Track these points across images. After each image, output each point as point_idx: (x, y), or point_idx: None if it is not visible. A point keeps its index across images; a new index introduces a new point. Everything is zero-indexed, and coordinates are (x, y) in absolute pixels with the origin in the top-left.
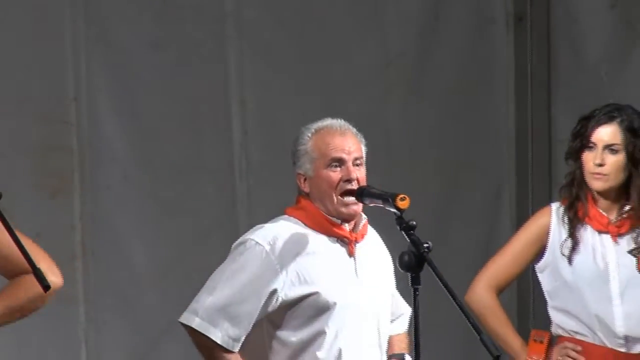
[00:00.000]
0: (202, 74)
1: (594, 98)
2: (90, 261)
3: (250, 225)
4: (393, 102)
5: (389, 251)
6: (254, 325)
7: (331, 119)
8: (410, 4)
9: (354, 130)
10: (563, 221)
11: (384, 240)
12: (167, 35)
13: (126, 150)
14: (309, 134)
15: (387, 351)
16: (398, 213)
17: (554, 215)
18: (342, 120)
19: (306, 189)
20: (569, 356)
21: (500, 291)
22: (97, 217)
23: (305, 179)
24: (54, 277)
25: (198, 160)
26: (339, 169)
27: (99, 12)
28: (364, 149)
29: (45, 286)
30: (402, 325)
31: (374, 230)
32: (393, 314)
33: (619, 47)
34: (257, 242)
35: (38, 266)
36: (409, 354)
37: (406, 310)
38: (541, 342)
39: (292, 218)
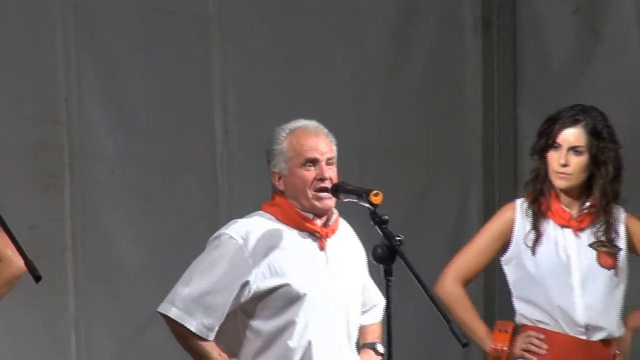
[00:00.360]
0: (186, 76)
1: (557, 99)
2: (80, 253)
3: (232, 219)
4: (367, 103)
5: (363, 244)
6: (230, 315)
7: (304, 119)
8: (385, 9)
9: (326, 130)
10: (527, 215)
11: (357, 233)
12: (152, 39)
13: (114, 148)
14: (284, 134)
15: (360, 340)
16: (372, 208)
17: (518, 210)
18: (315, 121)
19: (281, 187)
20: (532, 344)
21: (468, 283)
22: (86, 211)
23: (280, 177)
24: (21, 264)
25: (182, 157)
26: (312, 168)
27: (88, 17)
28: (335, 148)
29: (37, 277)
30: (377, 315)
31: (348, 225)
32: (367, 305)
33: (581, 51)
34: (230, 236)
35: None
36: (382, 343)
37: (380, 301)
38: (506, 331)
39: (266, 214)
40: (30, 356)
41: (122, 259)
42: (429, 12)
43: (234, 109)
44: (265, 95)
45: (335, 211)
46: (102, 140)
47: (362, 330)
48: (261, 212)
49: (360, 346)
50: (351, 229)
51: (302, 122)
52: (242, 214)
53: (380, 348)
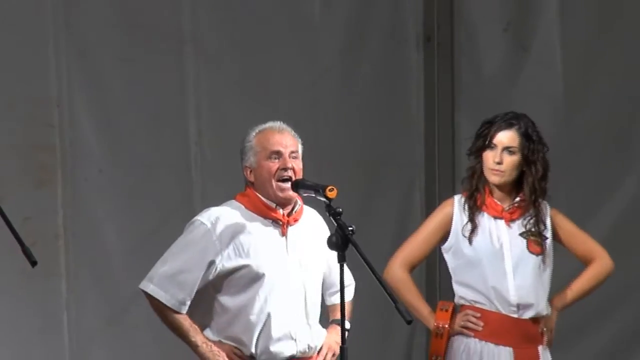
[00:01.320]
0: (164, 85)
1: (490, 105)
2: (70, 241)
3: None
4: (323, 109)
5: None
6: (202, 292)
7: (272, 122)
8: (338, 26)
9: (290, 129)
10: (464, 209)
11: None
12: (134, 51)
13: (100, 148)
14: (254, 134)
15: (330, 316)
16: (327, 201)
17: (457, 205)
18: (281, 122)
19: (251, 179)
20: (469, 321)
21: (413, 269)
22: (76, 204)
23: (250, 171)
24: None
25: (160, 156)
26: (277, 160)
27: (77, 32)
28: (300, 145)
29: (33, 262)
30: (347, 294)
31: (317, 215)
32: (336, 285)
33: (511, 63)
34: (202, 222)
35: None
36: (349, 320)
37: (350, 282)
38: (446, 310)
39: (236, 202)
40: (27, 333)
41: (108, 246)
42: (377, 29)
43: (206, 114)
44: (232, 103)
45: (300, 202)
46: (90, 141)
47: (333, 308)
48: (233, 201)
49: (330, 322)
50: (320, 218)
51: (269, 124)
52: (212, 205)
53: (347, 324)
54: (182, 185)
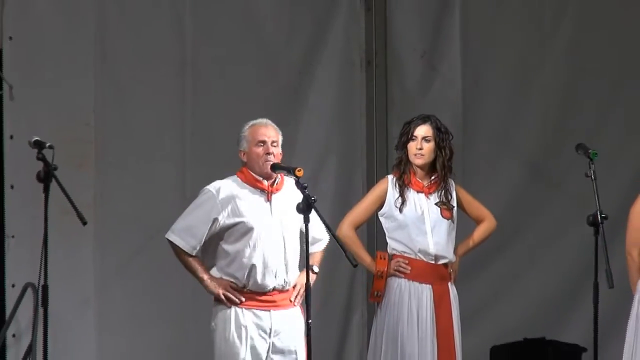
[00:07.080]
0: (169, 100)
1: (411, 112)
2: (99, 206)
3: (193, 190)
4: (285, 118)
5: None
6: (211, 241)
7: (260, 118)
8: (298, 52)
9: (274, 125)
10: (395, 186)
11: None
12: (147, 76)
13: (121, 145)
14: (247, 127)
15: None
16: (296, 178)
17: (390, 183)
18: (267, 119)
19: (244, 159)
20: (400, 266)
21: (357, 228)
22: (104, 182)
23: (244, 154)
24: None
25: (164, 150)
26: (262, 146)
27: (110, 60)
28: (280, 136)
29: (84, 222)
30: (318, 246)
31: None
32: (314, 239)
33: (426, 80)
34: (209, 190)
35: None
36: (318, 266)
37: (324, 237)
38: (383, 258)
39: (235, 176)
40: (62, 272)
41: (125, 211)
42: (327, 54)
43: (198, 119)
44: (216, 112)
45: (279, 176)
46: (114, 138)
47: (311, 255)
48: (233, 175)
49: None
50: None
51: (258, 120)
52: (201, 186)
53: (316, 268)
54: (179, 169)
